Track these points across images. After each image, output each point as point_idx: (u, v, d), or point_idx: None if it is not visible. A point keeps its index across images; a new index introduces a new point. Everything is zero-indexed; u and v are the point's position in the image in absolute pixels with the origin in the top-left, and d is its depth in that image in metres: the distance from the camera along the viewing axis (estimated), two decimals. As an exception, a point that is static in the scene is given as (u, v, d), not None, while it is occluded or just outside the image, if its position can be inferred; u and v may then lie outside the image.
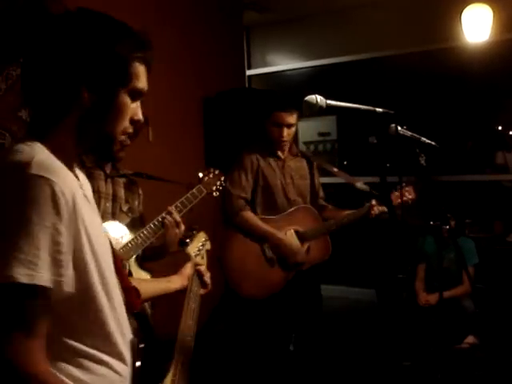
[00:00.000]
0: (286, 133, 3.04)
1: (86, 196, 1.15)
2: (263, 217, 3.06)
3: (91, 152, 1.19)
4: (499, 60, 4.75)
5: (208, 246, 2.15)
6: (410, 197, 3.09)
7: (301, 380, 3.12)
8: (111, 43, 1.09)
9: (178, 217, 2.42)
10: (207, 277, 1.93)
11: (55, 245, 0.98)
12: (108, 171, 2.47)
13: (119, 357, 1.15)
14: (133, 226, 2.46)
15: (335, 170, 3.27)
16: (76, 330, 1.07)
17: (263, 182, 3.07)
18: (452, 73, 5.02)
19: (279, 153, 3.15)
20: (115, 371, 1.14)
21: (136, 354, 1.25)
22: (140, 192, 2.61)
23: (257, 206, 3.08)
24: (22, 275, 0.94)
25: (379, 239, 3.50)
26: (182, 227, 2.40)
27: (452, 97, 5.13)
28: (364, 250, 5.20)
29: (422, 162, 2.16)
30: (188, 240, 2.10)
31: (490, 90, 5.02)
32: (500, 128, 5.41)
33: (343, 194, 3.59)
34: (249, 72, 5.98)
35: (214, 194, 2.69)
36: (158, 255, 2.52)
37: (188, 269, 1.89)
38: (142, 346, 1.31)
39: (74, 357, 1.07)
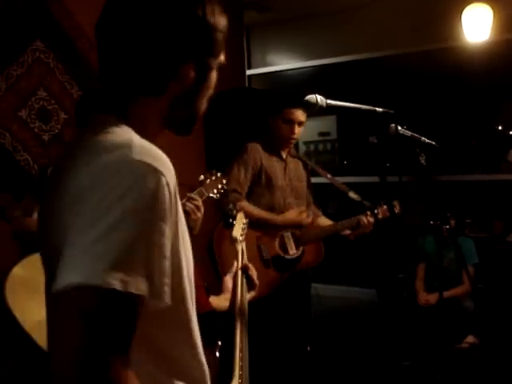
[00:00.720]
0: (297, 130, 3.03)
1: None
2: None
3: (172, 130, 1.07)
4: (499, 60, 4.75)
5: (246, 229, 1.97)
6: (396, 211, 3.10)
7: (300, 379, 3.12)
8: (218, 18, 1.02)
9: (199, 202, 2.45)
10: (254, 274, 1.72)
11: (158, 248, 0.81)
12: None
13: (202, 373, 1.01)
14: None
15: (329, 176, 3.26)
16: (165, 349, 0.92)
17: (266, 182, 3.05)
18: (452, 73, 5.02)
19: (282, 152, 3.14)
20: None
21: (215, 351, 1.20)
22: None
23: (256, 204, 3.05)
24: (116, 281, 0.75)
25: (379, 239, 3.50)
26: (202, 210, 2.44)
27: (452, 96, 5.13)
28: (364, 250, 5.20)
29: (422, 161, 2.16)
30: (233, 221, 1.91)
31: (489, 90, 5.02)
32: (500, 128, 5.41)
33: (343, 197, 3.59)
34: (249, 72, 5.98)
35: (215, 196, 2.66)
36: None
37: (227, 281, 1.70)
38: (219, 343, 1.26)
39: (165, 376, 0.93)
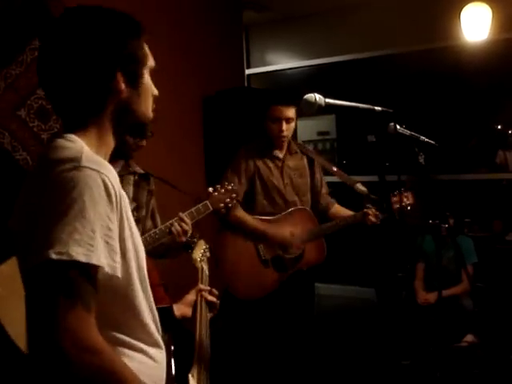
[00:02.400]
0: (286, 127, 2.96)
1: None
2: (258, 217, 3.02)
3: (129, 135, 1.24)
4: (498, 59, 4.75)
5: (208, 253, 2.18)
6: (408, 202, 3.06)
7: (300, 378, 3.12)
8: (130, 30, 1.17)
9: (188, 226, 2.40)
10: (212, 298, 1.87)
11: (108, 230, 1.03)
12: (117, 169, 2.47)
13: (156, 345, 1.19)
14: (136, 224, 2.46)
15: (335, 169, 3.22)
16: (117, 320, 1.11)
17: (261, 184, 3.04)
18: (451, 72, 5.02)
19: (277, 152, 3.10)
20: (153, 359, 1.18)
21: (168, 351, 1.29)
22: (152, 188, 2.58)
23: (255, 207, 3.04)
24: (79, 254, 0.97)
25: (378, 238, 3.51)
26: (189, 234, 2.39)
27: (450, 96, 5.13)
28: (363, 249, 5.21)
29: (421, 160, 2.16)
30: (192, 245, 2.17)
31: (488, 89, 5.02)
32: (499, 127, 5.42)
33: (343, 193, 3.58)
34: (248, 71, 5.98)
35: (222, 210, 2.59)
36: (173, 253, 2.51)
37: (191, 296, 1.85)
38: (172, 348, 1.36)
39: (116, 346, 1.10)
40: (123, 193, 1.12)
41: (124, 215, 1.10)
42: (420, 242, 4.06)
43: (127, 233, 1.11)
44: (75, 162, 1.04)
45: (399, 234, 2.49)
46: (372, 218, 2.99)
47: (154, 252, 2.43)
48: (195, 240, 2.24)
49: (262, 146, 3.10)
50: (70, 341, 0.95)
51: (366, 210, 3.02)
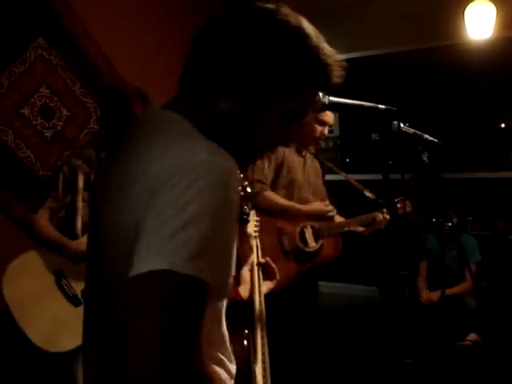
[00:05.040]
0: (326, 132, 3.12)
1: None
2: None
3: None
4: (502, 57, 4.74)
5: (259, 226, 2.02)
6: (408, 210, 3.13)
7: (303, 376, 3.13)
8: (315, 79, 1.10)
9: None
10: (275, 267, 1.79)
11: (231, 243, 0.91)
12: None
13: (230, 358, 1.12)
14: None
15: (344, 174, 3.29)
16: (209, 334, 1.00)
17: (286, 175, 3.08)
18: (455, 70, 5.01)
19: (303, 149, 3.17)
20: (230, 373, 1.10)
21: (243, 339, 1.30)
22: None
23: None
24: (198, 270, 0.81)
25: (382, 236, 3.50)
26: None
27: (455, 94, 5.12)
28: (366, 247, 5.21)
29: (425, 159, 2.16)
30: (247, 218, 1.94)
31: (492, 88, 5.01)
32: (503, 125, 5.40)
33: (346, 194, 3.59)
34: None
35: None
36: None
37: (245, 272, 1.75)
38: (246, 332, 1.38)
39: (208, 361, 1.03)
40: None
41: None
42: (423, 241, 4.06)
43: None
44: (226, 173, 0.89)
45: (402, 232, 2.49)
46: (381, 217, 3.07)
47: None
48: (248, 209, 1.98)
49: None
50: (184, 364, 0.79)
51: (382, 213, 3.09)
